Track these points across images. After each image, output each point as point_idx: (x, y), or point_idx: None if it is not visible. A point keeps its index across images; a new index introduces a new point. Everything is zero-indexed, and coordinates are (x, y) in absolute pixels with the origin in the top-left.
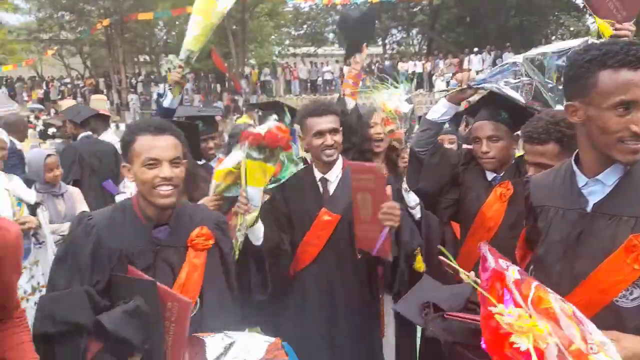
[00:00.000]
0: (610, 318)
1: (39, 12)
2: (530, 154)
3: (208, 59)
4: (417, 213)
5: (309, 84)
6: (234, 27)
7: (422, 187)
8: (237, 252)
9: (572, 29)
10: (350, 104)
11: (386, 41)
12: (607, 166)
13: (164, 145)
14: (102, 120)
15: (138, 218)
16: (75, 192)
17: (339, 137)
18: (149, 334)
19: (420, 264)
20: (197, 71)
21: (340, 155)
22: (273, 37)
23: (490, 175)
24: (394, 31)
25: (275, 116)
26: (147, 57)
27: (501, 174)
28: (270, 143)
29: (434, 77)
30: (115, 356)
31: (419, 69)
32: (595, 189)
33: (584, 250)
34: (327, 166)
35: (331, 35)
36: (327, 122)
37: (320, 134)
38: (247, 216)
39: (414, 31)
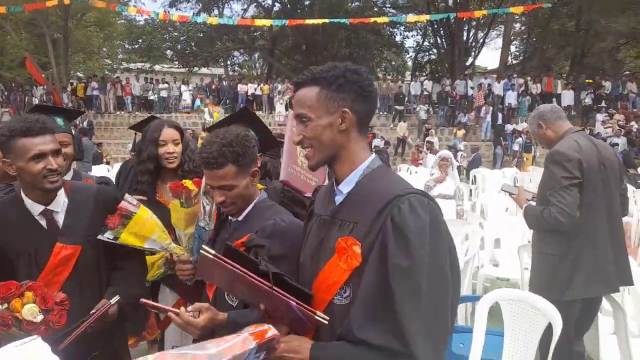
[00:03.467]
0: (330, 316)
1: None
2: (212, 179)
3: (21, 68)
4: None
5: (142, 101)
6: (57, 35)
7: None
8: None
9: (393, 63)
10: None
11: (228, 62)
12: (346, 175)
13: None
14: None
15: None
16: None
17: (61, 160)
18: None
19: None
20: (7, 82)
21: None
22: (104, 49)
23: None
24: (236, 53)
25: None
26: None
27: None
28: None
29: (275, 100)
30: None
31: (258, 92)
32: (339, 198)
33: (323, 254)
34: (49, 195)
35: (169, 52)
36: (46, 142)
37: (40, 156)
38: None
39: (256, 55)
